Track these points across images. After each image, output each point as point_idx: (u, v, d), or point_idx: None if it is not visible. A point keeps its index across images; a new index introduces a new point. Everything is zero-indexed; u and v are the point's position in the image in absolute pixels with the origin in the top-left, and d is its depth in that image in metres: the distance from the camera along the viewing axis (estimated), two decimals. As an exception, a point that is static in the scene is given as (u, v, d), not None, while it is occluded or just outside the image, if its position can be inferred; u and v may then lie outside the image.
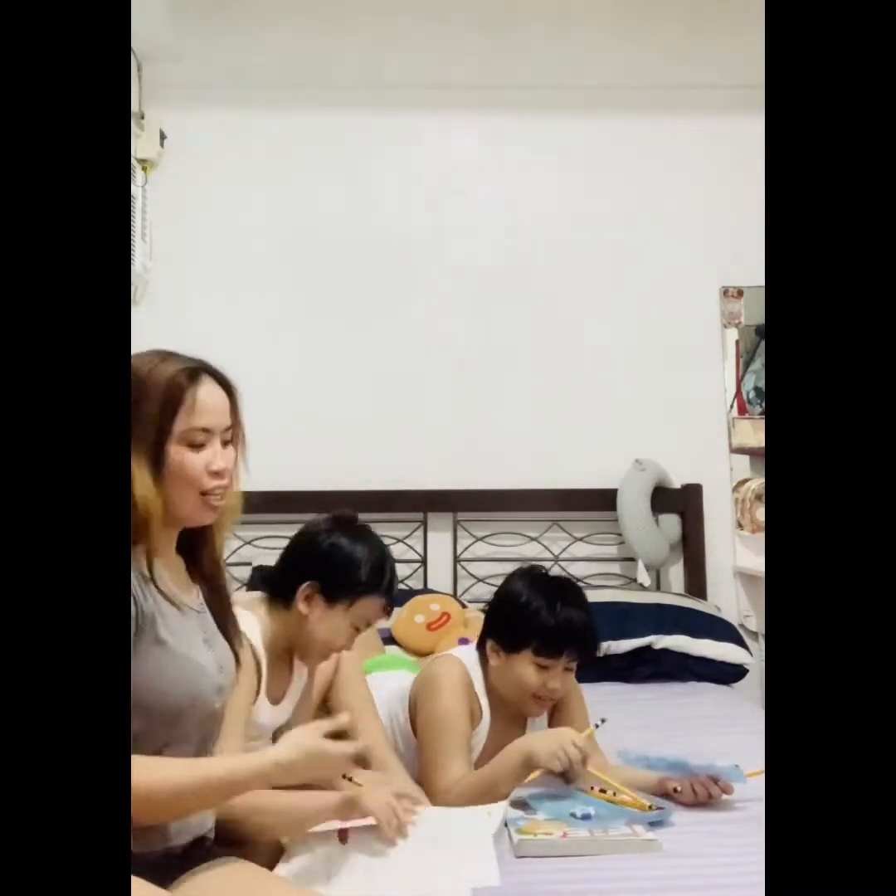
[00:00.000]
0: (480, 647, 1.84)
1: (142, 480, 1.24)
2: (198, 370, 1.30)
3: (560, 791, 1.65)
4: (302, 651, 1.70)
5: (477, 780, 1.67)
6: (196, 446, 1.28)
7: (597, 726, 1.72)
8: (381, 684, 2.06)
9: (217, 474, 1.28)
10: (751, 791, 1.65)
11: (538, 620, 1.75)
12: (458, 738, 1.73)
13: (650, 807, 1.60)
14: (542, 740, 1.66)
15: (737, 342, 3.41)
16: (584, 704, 1.90)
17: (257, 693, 1.62)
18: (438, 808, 1.60)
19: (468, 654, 1.86)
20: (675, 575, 3.32)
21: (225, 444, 1.31)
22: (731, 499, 3.34)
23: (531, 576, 1.84)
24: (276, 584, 1.71)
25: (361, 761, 1.56)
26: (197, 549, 1.37)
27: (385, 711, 1.93)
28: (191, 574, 1.37)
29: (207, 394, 1.29)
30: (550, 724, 1.90)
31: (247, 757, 1.29)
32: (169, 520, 1.30)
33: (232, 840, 1.37)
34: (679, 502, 3.28)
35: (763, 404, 3.36)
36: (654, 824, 1.55)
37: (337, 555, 1.67)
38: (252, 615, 1.65)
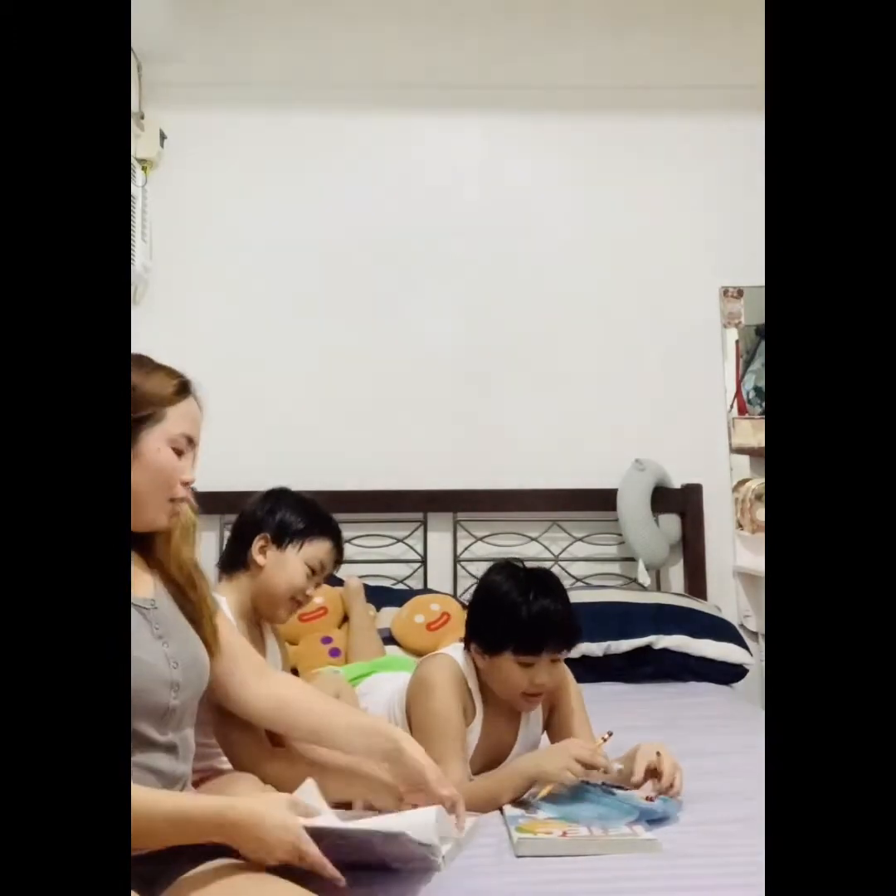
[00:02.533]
0: (467, 647, 1.83)
1: None
2: (189, 383, 1.37)
3: (562, 789, 1.64)
4: (268, 605, 1.81)
5: (478, 791, 1.65)
6: (178, 452, 1.33)
7: (604, 739, 1.71)
8: (380, 686, 2.06)
9: (185, 484, 1.33)
10: (751, 791, 1.64)
11: (514, 620, 1.72)
12: (453, 738, 1.72)
13: (648, 797, 1.61)
14: (549, 758, 1.65)
15: (737, 342, 3.41)
16: (581, 698, 1.89)
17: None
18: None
19: (460, 651, 1.85)
20: (675, 575, 3.32)
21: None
22: (731, 499, 3.34)
23: (504, 573, 1.81)
24: (229, 557, 1.85)
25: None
26: (154, 549, 1.38)
27: (384, 714, 1.93)
28: (150, 570, 1.38)
29: (193, 407, 1.37)
30: (547, 720, 1.89)
31: (203, 799, 1.24)
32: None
33: None
34: (679, 502, 3.28)
35: (763, 404, 3.36)
36: (653, 823, 1.55)
37: (280, 511, 1.84)
38: (216, 595, 1.72)
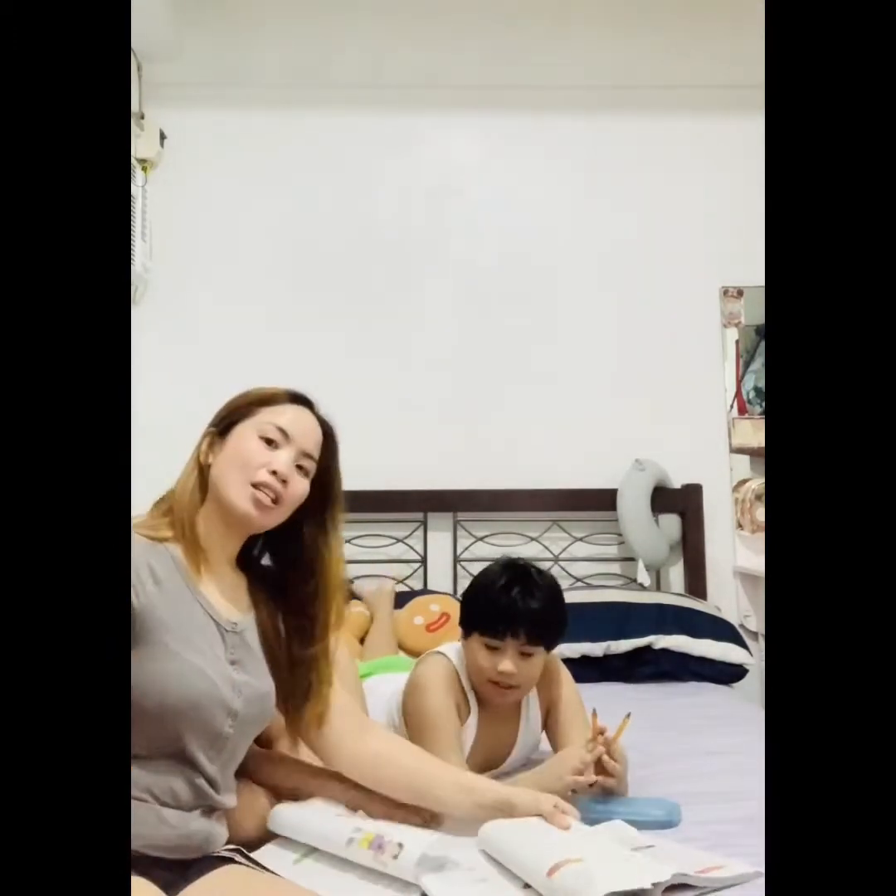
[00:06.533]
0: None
1: (185, 483, 1.34)
2: (302, 396, 1.43)
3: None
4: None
5: None
6: (267, 441, 1.34)
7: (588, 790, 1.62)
8: (380, 687, 2.05)
9: (274, 474, 1.32)
10: (751, 791, 1.64)
11: (484, 601, 1.75)
12: (446, 736, 1.72)
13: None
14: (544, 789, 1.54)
15: (737, 342, 3.41)
16: (579, 698, 1.87)
17: None
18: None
19: (454, 650, 1.85)
20: (675, 575, 3.32)
21: (300, 470, 1.36)
22: (731, 499, 3.34)
23: (498, 565, 1.83)
24: None
25: None
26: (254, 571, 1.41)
27: (384, 715, 1.93)
28: (251, 596, 1.39)
29: (299, 412, 1.40)
30: (545, 724, 1.89)
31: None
32: (221, 513, 1.33)
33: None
34: (679, 502, 3.28)
35: (763, 404, 3.36)
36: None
37: None
38: None
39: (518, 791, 1.42)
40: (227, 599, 1.33)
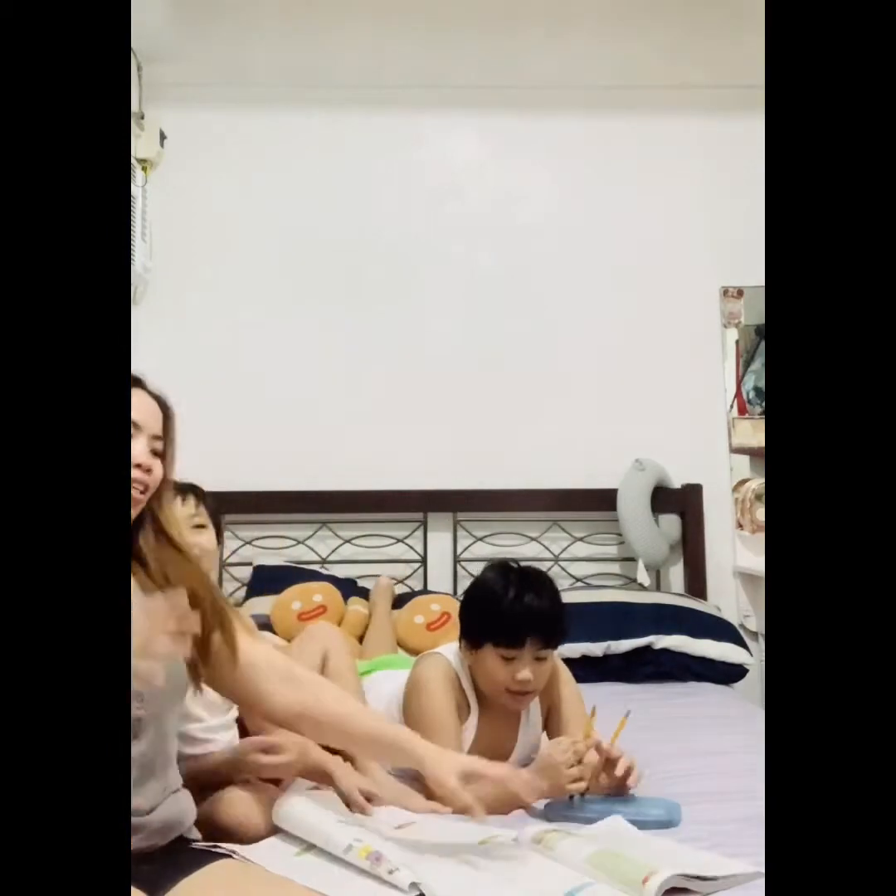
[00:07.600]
0: (460, 645, 1.84)
1: None
2: (133, 378, 1.35)
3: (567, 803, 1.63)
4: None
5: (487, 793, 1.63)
6: None
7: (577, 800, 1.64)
8: (380, 684, 2.06)
9: (138, 467, 1.31)
10: (751, 791, 1.64)
11: (494, 613, 1.73)
12: (445, 735, 1.72)
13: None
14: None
15: (737, 342, 3.41)
16: (580, 698, 1.88)
17: None
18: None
19: (453, 650, 1.85)
20: (675, 575, 3.32)
21: (154, 453, 1.35)
22: (731, 499, 3.34)
23: (495, 570, 1.82)
24: None
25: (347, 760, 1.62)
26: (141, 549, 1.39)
27: (383, 712, 1.93)
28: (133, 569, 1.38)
29: (137, 397, 1.36)
30: (546, 724, 1.89)
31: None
32: None
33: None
34: (679, 502, 3.28)
35: (763, 404, 3.36)
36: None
37: None
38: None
39: (426, 745, 1.43)
40: None
